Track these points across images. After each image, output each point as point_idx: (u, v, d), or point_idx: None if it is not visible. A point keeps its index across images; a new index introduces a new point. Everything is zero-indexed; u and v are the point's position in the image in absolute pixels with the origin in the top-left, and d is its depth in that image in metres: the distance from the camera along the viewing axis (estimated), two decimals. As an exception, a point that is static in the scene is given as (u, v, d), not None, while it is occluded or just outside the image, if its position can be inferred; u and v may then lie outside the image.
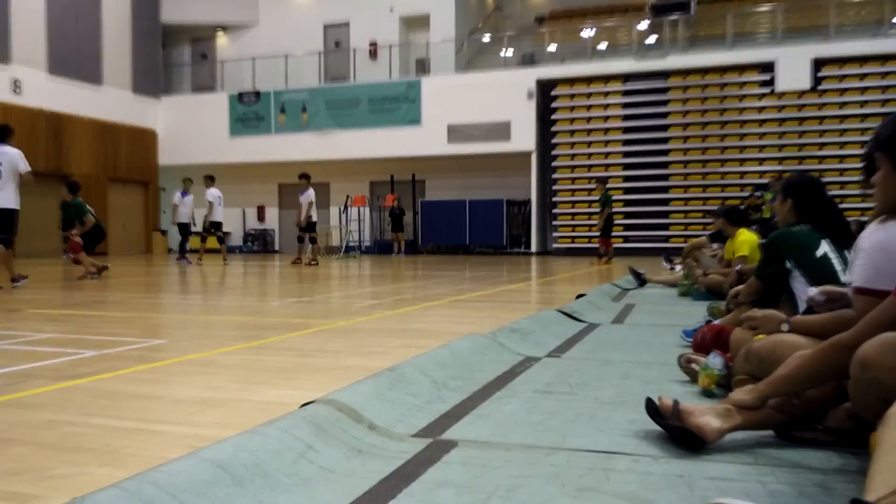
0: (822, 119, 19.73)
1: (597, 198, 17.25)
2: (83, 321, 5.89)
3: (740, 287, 4.15)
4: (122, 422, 2.70)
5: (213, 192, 16.11)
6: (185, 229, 16.50)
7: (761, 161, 20.17)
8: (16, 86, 20.88)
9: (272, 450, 2.09)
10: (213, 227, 16.25)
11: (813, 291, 2.88)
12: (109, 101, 23.93)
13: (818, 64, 19.62)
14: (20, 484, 2.02)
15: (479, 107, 21.94)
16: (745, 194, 18.92)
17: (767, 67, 20.01)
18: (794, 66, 19.60)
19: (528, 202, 22.41)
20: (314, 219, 15.78)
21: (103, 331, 5.25)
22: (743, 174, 20.31)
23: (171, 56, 27.56)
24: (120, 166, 24.55)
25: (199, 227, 17.14)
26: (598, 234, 17.21)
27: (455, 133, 22.32)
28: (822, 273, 3.33)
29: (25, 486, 2.00)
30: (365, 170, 24.65)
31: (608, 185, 17.31)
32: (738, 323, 3.73)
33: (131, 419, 2.74)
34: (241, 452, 2.01)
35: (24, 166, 8.95)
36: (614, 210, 17.13)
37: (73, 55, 22.62)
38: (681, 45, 21.27)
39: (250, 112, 24.83)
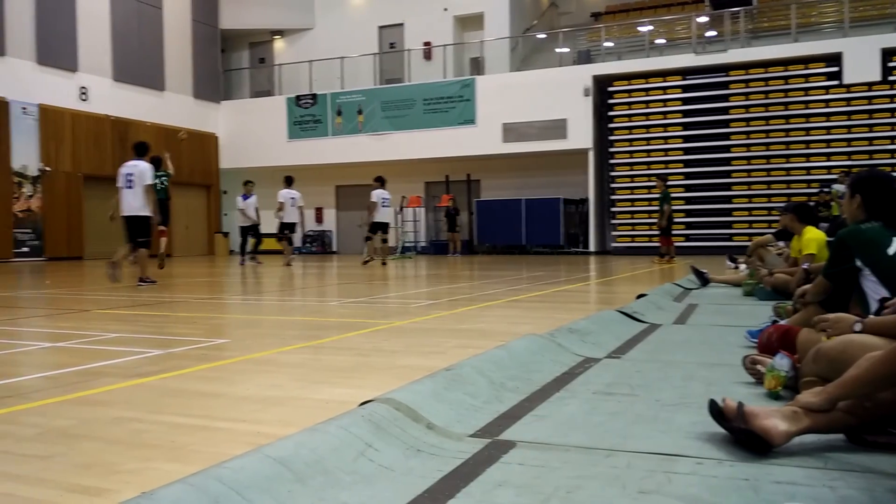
0: (893, 111, 19.10)
1: (657, 195, 16.99)
2: (149, 321, 6.03)
3: (807, 286, 4.05)
4: (188, 419, 2.75)
5: (283, 193, 16.21)
6: (244, 232, 16.71)
7: (829, 156, 19.64)
8: (83, 93, 21.52)
9: (332, 447, 2.11)
10: (284, 229, 16.31)
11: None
12: (172, 107, 24.49)
13: (887, 54, 19.00)
14: (91, 478, 2.08)
15: (534, 105, 21.83)
16: (812, 190, 18.48)
17: (834, 59, 19.47)
18: (861, 56, 19.02)
19: (585, 200, 22.21)
20: (377, 219, 15.80)
21: (168, 330, 5.37)
22: (809, 170, 19.80)
23: (230, 61, 28.08)
24: (182, 170, 24.99)
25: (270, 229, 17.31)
26: (658, 232, 16.96)
27: (510, 132, 22.24)
28: (893, 272, 3.22)
29: (96, 480, 2.05)
30: (420, 170, 24.74)
31: (668, 182, 17.03)
32: (806, 323, 3.64)
33: (196, 416, 2.79)
34: (303, 450, 2.04)
35: (150, 179, 10.02)
36: (674, 208, 16.80)
37: (137, 63, 23.23)
38: (742, 38, 20.84)
39: (307, 115, 25.12)
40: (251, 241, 16.67)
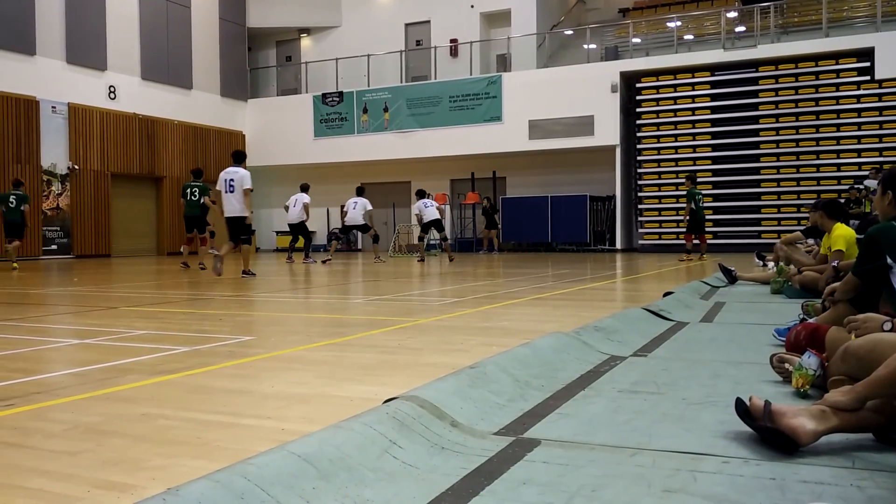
0: (925, 107, 18.83)
1: (684, 192, 16.86)
2: (175, 318, 6.09)
3: (837, 284, 3.99)
4: (213, 416, 2.77)
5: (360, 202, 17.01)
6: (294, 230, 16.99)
7: (860, 152, 19.38)
8: (111, 92, 21.77)
9: (357, 444, 2.11)
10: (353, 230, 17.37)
11: None
12: (199, 105, 24.72)
13: (920, 50, 18.73)
14: (118, 474, 2.10)
15: (561, 102, 21.74)
16: (843, 187, 18.24)
17: (865, 54, 19.20)
18: (894, 51, 18.73)
19: (612, 198, 22.10)
20: (425, 220, 16.88)
21: (195, 327, 5.42)
22: (839, 166, 19.55)
23: (257, 60, 28.26)
24: (209, 168, 25.25)
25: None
26: (684, 230, 16.85)
27: (536, 129, 22.17)
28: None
29: (123, 476, 2.07)
30: (445, 167, 24.74)
31: (698, 180, 16.88)
32: (835, 321, 3.59)
33: (222, 413, 2.81)
34: (327, 447, 2.04)
35: (249, 184, 11.07)
36: (704, 205, 16.59)
37: (165, 62, 23.46)
38: (772, 33, 20.61)
39: (334, 113, 25.21)
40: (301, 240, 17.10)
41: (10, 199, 14.29)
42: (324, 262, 15.73)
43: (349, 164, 25.46)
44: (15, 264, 14.16)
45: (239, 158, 11.68)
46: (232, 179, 11.05)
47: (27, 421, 2.71)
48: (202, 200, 13.84)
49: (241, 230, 11.13)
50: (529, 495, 1.92)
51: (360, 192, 17.47)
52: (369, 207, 16.96)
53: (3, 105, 18.90)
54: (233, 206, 11.03)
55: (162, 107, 23.35)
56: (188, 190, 14.04)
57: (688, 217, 15.78)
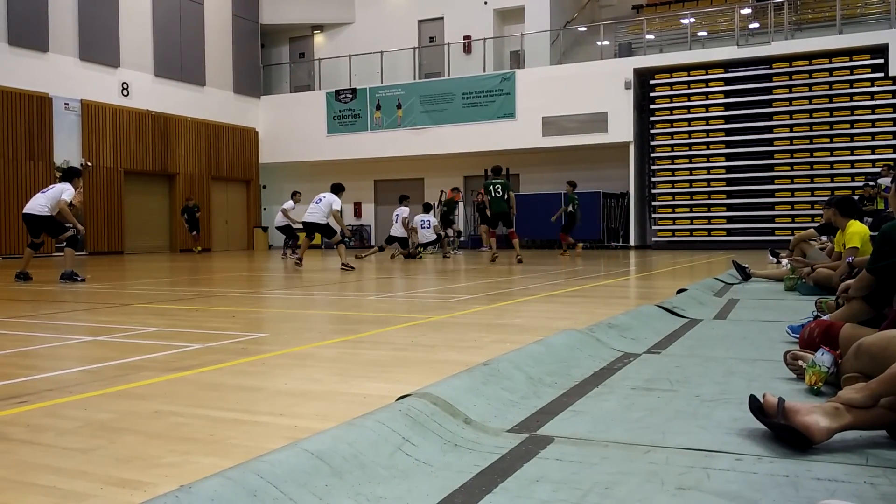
0: (940, 104, 18.67)
1: (697, 189, 16.89)
2: (188, 315, 6.11)
3: (851, 281, 3.97)
4: (226, 413, 2.78)
5: (404, 211, 17.34)
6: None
7: (873, 149, 19.25)
8: (124, 88, 21.86)
9: (370, 442, 2.11)
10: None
11: None
12: (212, 102, 24.78)
13: (935, 46, 18.57)
14: (131, 471, 2.10)
15: (574, 98, 21.68)
16: (857, 184, 18.12)
17: (879, 51, 19.06)
18: (908, 48, 18.60)
19: (625, 194, 22.02)
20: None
21: (207, 324, 5.43)
22: (853, 163, 19.42)
23: (269, 56, 28.30)
24: (222, 165, 25.39)
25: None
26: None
27: (550, 125, 22.12)
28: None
29: (136, 474, 2.08)
30: (458, 164, 24.72)
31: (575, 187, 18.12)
32: (849, 318, 3.57)
33: (235, 410, 2.82)
34: (340, 444, 2.04)
35: (337, 207, 12.89)
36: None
37: (178, 58, 23.53)
38: (786, 30, 20.48)
39: (347, 109, 25.23)
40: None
41: None
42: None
43: (362, 161, 25.48)
44: None
45: (337, 189, 13.53)
46: (322, 197, 13.09)
47: (40, 418, 2.73)
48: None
49: (328, 232, 13.30)
50: (543, 493, 1.92)
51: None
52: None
53: (17, 102, 19.01)
54: (317, 216, 12.95)
55: (175, 104, 23.42)
56: (491, 187, 15.25)
57: (565, 218, 17.32)
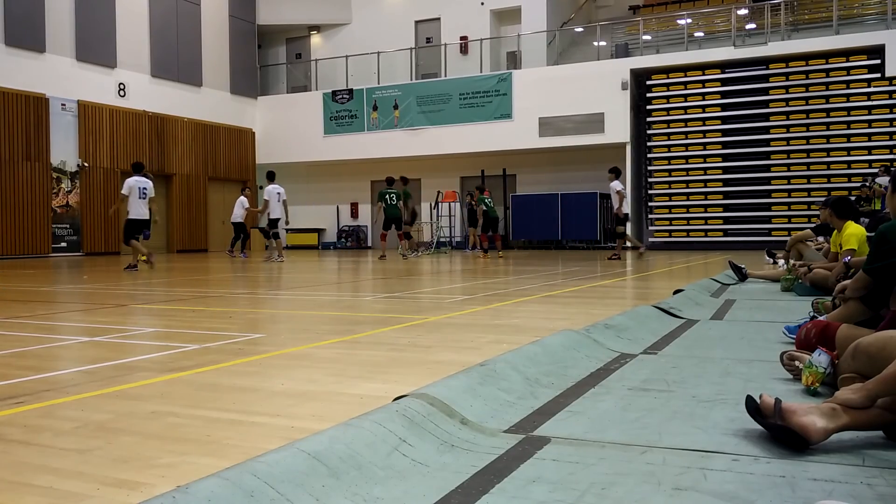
0: (936, 104, 18.72)
1: (693, 190, 16.89)
2: (185, 315, 6.10)
3: (848, 281, 3.97)
4: (223, 413, 2.77)
5: (269, 190, 16.44)
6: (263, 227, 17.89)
7: (870, 150, 19.29)
8: (121, 89, 21.84)
9: (367, 442, 2.11)
10: (273, 225, 16.76)
11: None
12: (209, 103, 24.77)
13: (932, 46, 18.61)
14: (127, 472, 2.10)
15: (571, 99, 21.70)
16: (854, 185, 18.16)
17: (876, 52, 19.10)
18: (904, 49, 18.64)
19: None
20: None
21: (204, 325, 5.42)
22: (850, 164, 19.47)
23: (266, 57, 28.30)
24: (219, 165, 25.37)
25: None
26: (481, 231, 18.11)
27: (547, 126, 22.13)
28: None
29: (132, 474, 2.08)
30: (455, 165, 24.73)
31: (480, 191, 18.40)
32: (845, 319, 3.58)
33: (231, 411, 2.81)
34: (337, 444, 2.04)
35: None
36: (711, 202, 16.66)
37: (174, 59, 23.52)
38: (783, 30, 20.51)
39: (343, 110, 25.23)
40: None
41: None
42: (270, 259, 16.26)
43: (359, 162, 25.48)
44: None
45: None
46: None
47: (36, 419, 2.72)
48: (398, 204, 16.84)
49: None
50: (539, 493, 1.92)
51: (273, 177, 17.10)
52: (285, 198, 16.67)
53: (14, 102, 18.98)
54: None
55: (172, 104, 23.41)
56: (386, 196, 16.66)
57: (481, 220, 17.51)
